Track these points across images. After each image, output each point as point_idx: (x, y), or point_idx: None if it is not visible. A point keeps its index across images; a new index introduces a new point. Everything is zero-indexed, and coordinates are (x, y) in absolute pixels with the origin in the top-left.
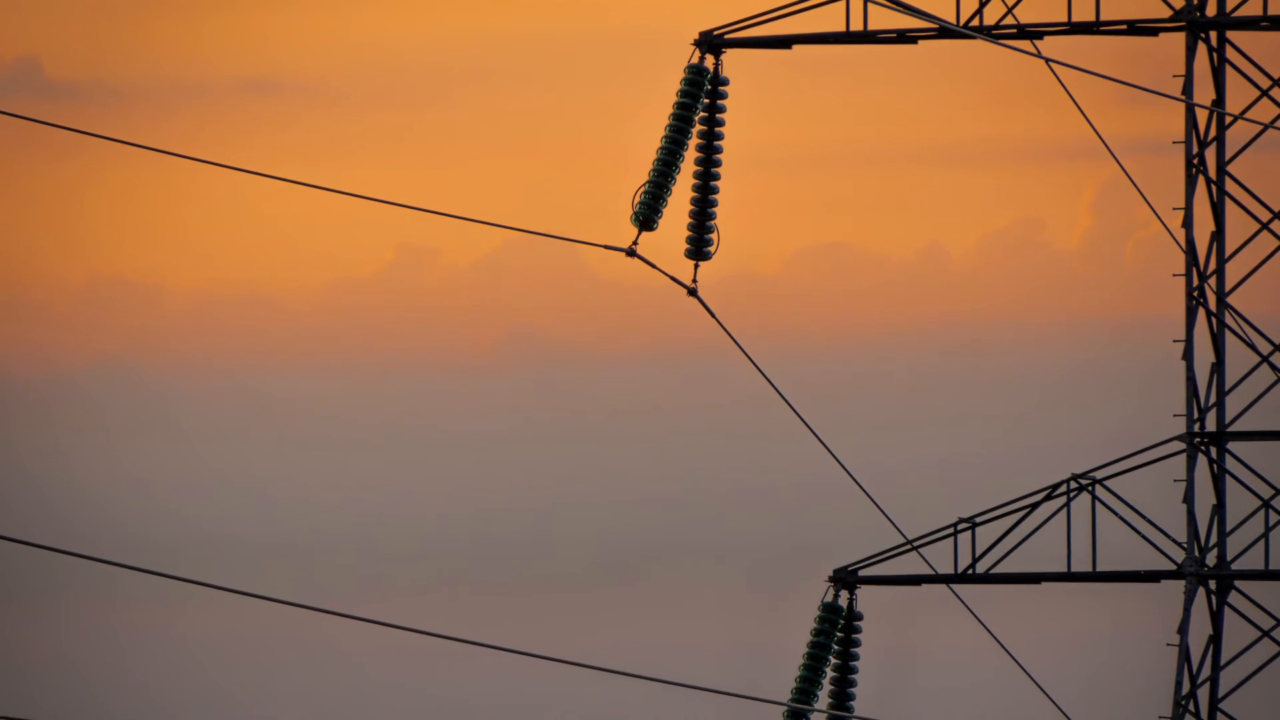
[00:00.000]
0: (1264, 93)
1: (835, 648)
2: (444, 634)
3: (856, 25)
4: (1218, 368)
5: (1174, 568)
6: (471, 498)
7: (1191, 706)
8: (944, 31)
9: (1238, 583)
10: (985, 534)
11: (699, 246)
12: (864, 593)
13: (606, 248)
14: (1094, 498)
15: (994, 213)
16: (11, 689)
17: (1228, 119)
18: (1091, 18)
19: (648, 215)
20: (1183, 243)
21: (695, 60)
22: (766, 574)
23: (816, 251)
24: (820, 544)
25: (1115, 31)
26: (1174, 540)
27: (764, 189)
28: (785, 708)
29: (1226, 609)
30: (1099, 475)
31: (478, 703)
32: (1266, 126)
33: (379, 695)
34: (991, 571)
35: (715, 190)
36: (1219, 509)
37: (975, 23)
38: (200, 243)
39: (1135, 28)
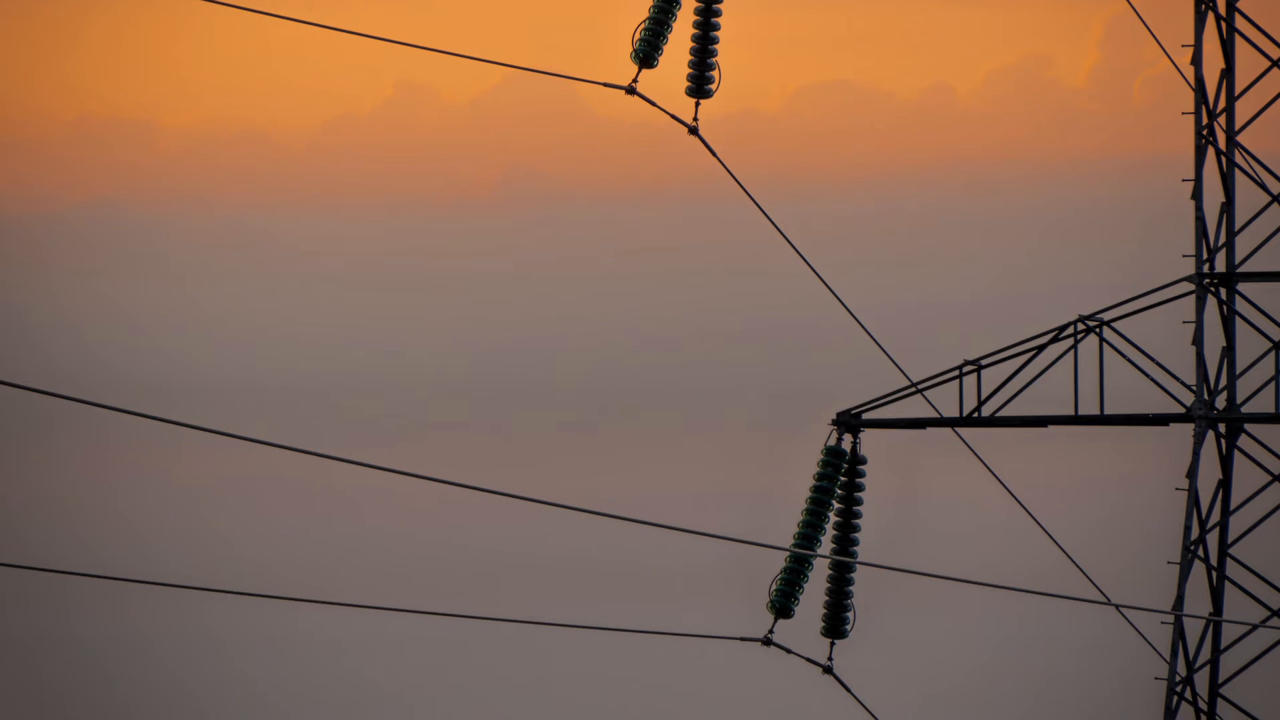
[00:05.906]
0: None
1: (839, 492)
2: (441, 478)
3: None
4: (1227, 207)
5: (1183, 411)
6: (469, 338)
7: (1200, 551)
8: None
9: (1248, 426)
10: (991, 377)
11: (700, 84)
12: (868, 436)
13: (606, 85)
14: (1101, 339)
15: (1000, 49)
16: (1, 533)
17: None
18: None
19: (648, 52)
20: (1192, 80)
21: None
22: (769, 417)
23: (820, 89)
24: (823, 387)
25: None
26: (1183, 383)
27: (766, 25)
28: (788, 553)
29: (1236, 453)
30: (1107, 317)
31: (474, 547)
32: None
33: (374, 539)
34: (997, 415)
35: (717, 27)
36: (1229, 351)
37: None
38: (194, 80)
39: None
